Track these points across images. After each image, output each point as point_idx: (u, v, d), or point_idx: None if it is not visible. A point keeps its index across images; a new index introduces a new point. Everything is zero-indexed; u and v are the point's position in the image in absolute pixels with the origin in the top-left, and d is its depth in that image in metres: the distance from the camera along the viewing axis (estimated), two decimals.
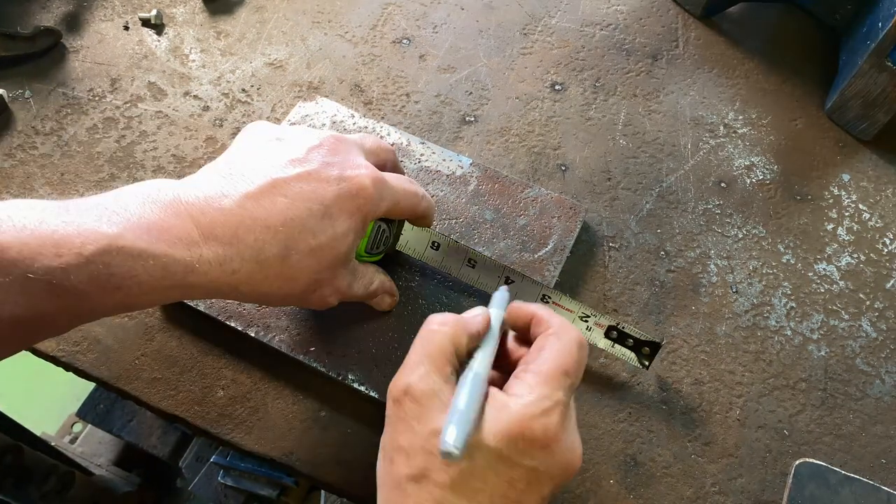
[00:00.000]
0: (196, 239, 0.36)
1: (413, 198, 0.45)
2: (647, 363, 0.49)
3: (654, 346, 0.48)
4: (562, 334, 0.37)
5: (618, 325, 0.49)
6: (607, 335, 0.49)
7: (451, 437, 0.32)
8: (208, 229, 0.36)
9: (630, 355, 0.49)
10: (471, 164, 0.58)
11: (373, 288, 0.47)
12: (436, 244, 0.50)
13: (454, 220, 0.55)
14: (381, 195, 0.41)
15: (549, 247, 0.54)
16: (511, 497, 0.34)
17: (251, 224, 0.37)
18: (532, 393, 0.34)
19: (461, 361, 0.37)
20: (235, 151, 0.42)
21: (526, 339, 0.40)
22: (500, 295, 0.41)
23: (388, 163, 0.47)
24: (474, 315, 0.39)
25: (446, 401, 0.35)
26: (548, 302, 0.49)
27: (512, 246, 0.54)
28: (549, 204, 0.56)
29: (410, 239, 0.50)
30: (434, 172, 0.57)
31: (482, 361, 0.36)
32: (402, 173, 0.50)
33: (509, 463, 0.34)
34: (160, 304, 0.49)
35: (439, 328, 0.37)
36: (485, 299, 0.44)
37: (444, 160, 0.58)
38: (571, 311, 0.49)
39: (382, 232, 0.47)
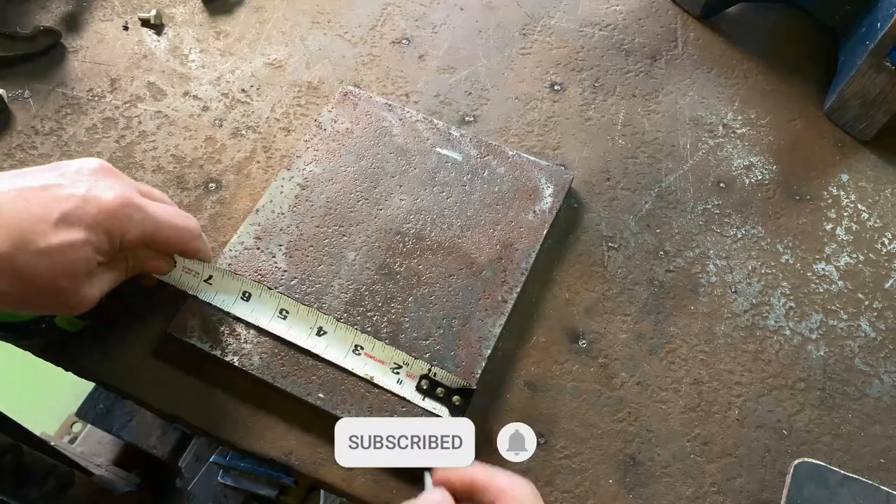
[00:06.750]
0: None
1: (181, 232, 0.47)
2: (460, 412, 0.46)
3: (467, 393, 0.46)
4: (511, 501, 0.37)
5: (429, 372, 0.47)
6: (418, 387, 0.47)
7: None
8: None
9: (442, 409, 0.46)
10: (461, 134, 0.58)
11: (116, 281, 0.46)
12: (247, 294, 0.49)
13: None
14: (129, 217, 0.43)
15: (540, 203, 0.55)
16: None
17: None
18: None
19: None
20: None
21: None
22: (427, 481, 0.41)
23: (160, 200, 0.48)
24: None
25: None
26: (360, 353, 0.48)
27: (501, 210, 0.54)
28: (533, 168, 0.57)
29: (219, 288, 0.48)
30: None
31: None
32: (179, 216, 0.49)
33: None
34: None
35: None
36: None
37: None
38: (383, 363, 0.47)
39: None
